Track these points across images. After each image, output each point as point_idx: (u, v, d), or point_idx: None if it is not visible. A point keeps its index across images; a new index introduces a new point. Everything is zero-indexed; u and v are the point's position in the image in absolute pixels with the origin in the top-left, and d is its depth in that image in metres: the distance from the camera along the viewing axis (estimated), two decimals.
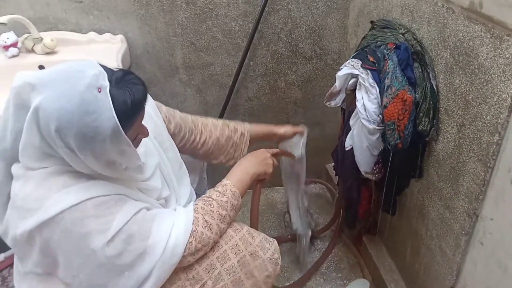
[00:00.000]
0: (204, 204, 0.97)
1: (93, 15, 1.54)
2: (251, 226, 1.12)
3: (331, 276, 1.62)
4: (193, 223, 0.92)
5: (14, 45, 1.44)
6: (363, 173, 1.29)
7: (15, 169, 0.82)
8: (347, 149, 1.30)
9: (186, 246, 0.89)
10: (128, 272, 0.84)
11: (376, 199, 1.41)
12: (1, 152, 0.83)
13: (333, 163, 1.55)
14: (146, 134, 0.89)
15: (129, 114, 0.78)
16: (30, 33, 1.45)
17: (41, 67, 1.45)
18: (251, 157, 1.15)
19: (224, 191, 1.01)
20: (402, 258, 1.40)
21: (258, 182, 1.17)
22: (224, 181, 1.05)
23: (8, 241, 0.85)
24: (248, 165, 1.11)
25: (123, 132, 0.76)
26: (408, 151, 1.12)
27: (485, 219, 0.93)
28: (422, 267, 1.26)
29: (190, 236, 0.90)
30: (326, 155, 1.71)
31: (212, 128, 1.22)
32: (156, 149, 1.02)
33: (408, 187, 1.27)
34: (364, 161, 1.25)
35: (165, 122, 1.09)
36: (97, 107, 0.72)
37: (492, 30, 0.81)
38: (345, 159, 1.35)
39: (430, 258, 1.19)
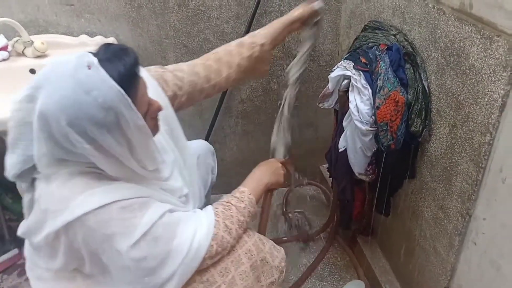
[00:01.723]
0: (224, 208, 0.98)
1: (84, 18, 1.53)
2: (259, 233, 1.13)
3: (326, 278, 1.62)
4: (214, 226, 0.93)
5: (4, 48, 1.43)
6: (356, 174, 1.29)
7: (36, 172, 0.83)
8: (340, 150, 1.31)
9: (207, 249, 0.89)
10: (149, 278, 0.85)
11: (370, 200, 1.41)
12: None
13: (327, 165, 1.55)
14: (158, 107, 0.86)
15: (128, 82, 0.76)
16: (20, 36, 1.43)
17: (32, 70, 1.44)
18: (264, 167, 1.15)
19: (242, 197, 1.02)
20: (396, 258, 1.41)
21: (269, 191, 1.18)
22: (241, 188, 1.06)
23: (34, 242, 0.85)
24: (262, 175, 1.12)
25: (130, 101, 0.74)
26: (401, 152, 1.13)
27: (478, 219, 0.94)
28: (416, 268, 1.26)
29: (212, 239, 0.90)
30: (320, 156, 1.71)
31: (223, 67, 1.13)
32: (170, 147, 1.01)
33: (402, 187, 1.27)
34: (358, 162, 1.25)
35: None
36: (93, 82, 0.71)
37: (482, 31, 0.82)
38: (338, 161, 1.35)
39: (424, 258, 1.20)
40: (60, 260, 0.85)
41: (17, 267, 1.63)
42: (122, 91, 0.73)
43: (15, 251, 1.66)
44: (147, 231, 0.81)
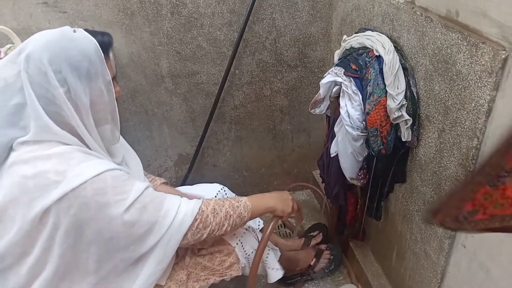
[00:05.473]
0: (218, 199, 1.07)
1: (77, 25, 1.53)
2: (255, 256, 1.17)
3: (318, 282, 1.62)
4: (203, 204, 1.00)
5: None
6: (348, 179, 1.30)
7: (17, 155, 0.84)
8: (332, 155, 1.32)
9: (192, 221, 0.96)
10: (135, 246, 0.91)
11: (362, 204, 1.42)
12: None
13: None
14: (118, 91, 0.97)
15: (104, 49, 0.90)
16: (13, 43, 1.43)
17: None
18: (274, 193, 1.22)
19: (239, 200, 1.09)
20: (388, 262, 1.42)
21: (274, 218, 1.21)
22: (242, 197, 1.13)
23: (10, 236, 0.85)
24: (269, 198, 1.18)
25: (103, 56, 0.88)
26: (392, 157, 1.14)
27: None
28: (407, 271, 1.27)
29: (197, 214, 0.98)
30: (313, 161, 1.73)
31: None
32: None
33: (393, 192, 1.29)
34: (349, 167, 1.26)
35: None
36: (77, 37, 0.87)
37: (468, 38, 0.84)
38: (330, 166, 1.36)
39: (415, 261, 1.21)
40: (32, 256, 0.86)
41: None
42: (99, 47, 0.88)
43: None
44: (137, 198, 0.89)
